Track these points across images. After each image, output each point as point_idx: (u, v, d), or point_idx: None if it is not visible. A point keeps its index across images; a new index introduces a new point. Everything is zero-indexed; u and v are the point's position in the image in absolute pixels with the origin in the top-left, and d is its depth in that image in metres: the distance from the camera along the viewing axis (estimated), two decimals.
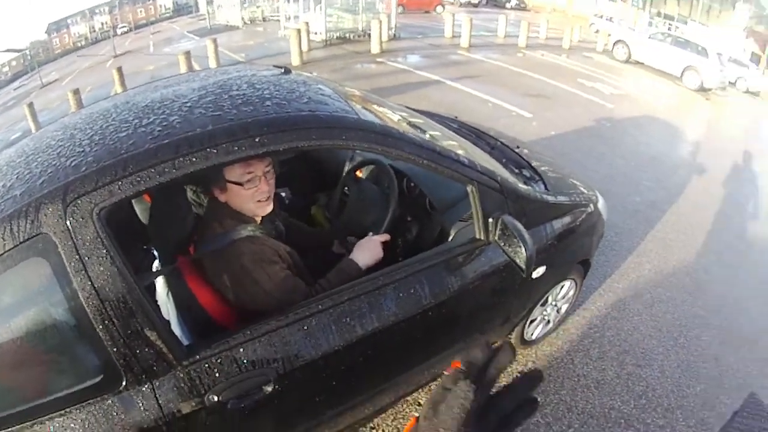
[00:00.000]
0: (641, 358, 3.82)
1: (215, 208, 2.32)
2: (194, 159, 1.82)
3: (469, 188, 2.44)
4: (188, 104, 2.07)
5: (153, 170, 1.76)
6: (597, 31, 25.32)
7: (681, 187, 7.26)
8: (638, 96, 13.40)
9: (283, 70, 2.58)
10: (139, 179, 1.75)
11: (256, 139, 1.92)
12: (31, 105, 17.21)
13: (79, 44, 75.88)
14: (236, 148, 1.88)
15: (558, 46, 19.97)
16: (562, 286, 3.46)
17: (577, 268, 3.44)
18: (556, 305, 3.59)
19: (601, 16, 29.79)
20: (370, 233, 2.66)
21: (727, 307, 4.58)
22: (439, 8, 35.58)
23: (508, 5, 40.42)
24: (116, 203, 1.74)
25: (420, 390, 3.27)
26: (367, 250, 2.52)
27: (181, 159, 1.80)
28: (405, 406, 3.33)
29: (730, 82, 18.29)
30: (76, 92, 14.92)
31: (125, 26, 75.03)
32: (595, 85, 13.81)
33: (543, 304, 3.39)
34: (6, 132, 22.26)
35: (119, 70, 16.40)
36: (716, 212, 6.64)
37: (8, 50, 67.58)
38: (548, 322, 3.69)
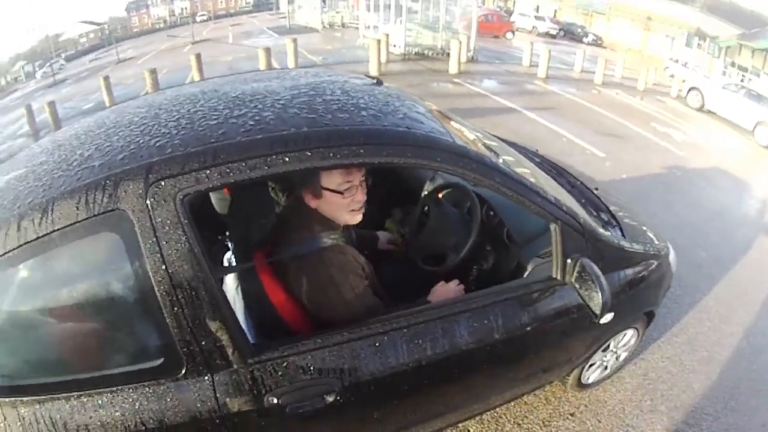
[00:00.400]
0: (691, 416, 3.73)
1: (301, 211, 2.29)
2: (287, 159, 1.80)
3: (552, 226, 2.42)
4: (281, 102, 2.05)
5: (244, 164, 1.75)
6: (672, 76, 24.89)
7: (746, 245, 7.06)
8: (709, 146, 13.17)
9: (375, 81, 2.56)
10: (228, 171, 1.74)
11: (353, 148, 1.90)
12: (107, 78, 17.62)
13: (157, 26, 77.72)
14: (331, 154, 1.86)
15: (633, 87, 19.73)
16: (625, 334, 3.40)
17: (642, 318, 3.37)
18: (616, 352, 3.53)
19: (677, 61, 29.27)
20: (450, 282, 2.63)
21: None
22: (509, 34, 35.31)
23: (585, 40, 39.83)
24: (202, 191, 1.74)
25: (471, 419, 3.26)
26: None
27: (274, 157, 1.79)
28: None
29: None
30: (153, 72, 15.30)
31: (204, 14, 76.53)
32: (668, 130, 13.60)
33: (604, 350, 3.34)
34: (78, 101, 22.87)
35: (198, 56, 16.83)
36: None
37: (86, 22, 69.19)
38: (606, 368, 3.63)
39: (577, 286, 2.42)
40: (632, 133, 12.31)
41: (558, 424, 3.48)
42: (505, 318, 2.40)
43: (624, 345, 3.54)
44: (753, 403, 4.01)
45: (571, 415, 3.56)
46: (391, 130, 2.05)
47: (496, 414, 3.48)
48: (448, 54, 18.66)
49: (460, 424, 3.24)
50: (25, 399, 1.75)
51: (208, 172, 1.72)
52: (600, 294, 2.26)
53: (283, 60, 17.69)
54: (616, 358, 3.64)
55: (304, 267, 2.18)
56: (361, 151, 1.92)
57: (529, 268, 2.68)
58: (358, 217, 2.36)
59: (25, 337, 1.78)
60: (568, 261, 2.46)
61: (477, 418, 3.35)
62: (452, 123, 2.81)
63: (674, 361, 4.27)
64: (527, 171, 2.83)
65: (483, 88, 15.90)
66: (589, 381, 3.63)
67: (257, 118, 1.92)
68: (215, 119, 1.92)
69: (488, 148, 2.81)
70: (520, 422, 3.46)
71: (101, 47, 64.25)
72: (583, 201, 3.26)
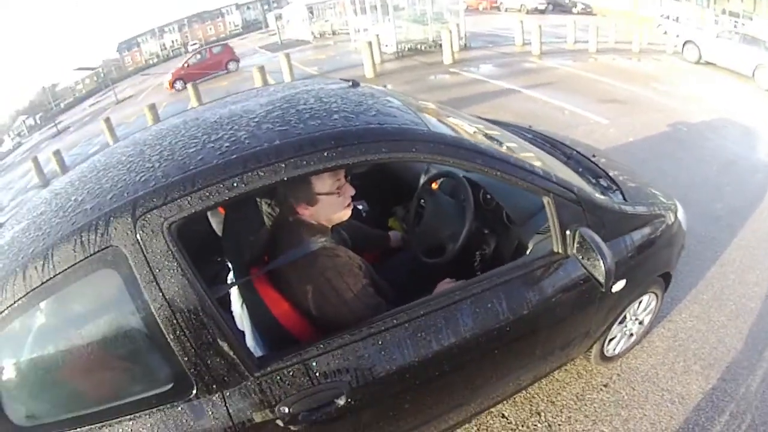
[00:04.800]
0: (726, 372, 3.67)
1: (289, 223, 2.35)
2: (262, 173, 1.85)
3: (545, 200, 2.40)
4: (256, 119, 2.12)
5: (222, 185, 1.81)
6: (665, 33, 24.52)
7: (761, 190, 6.90)
8: (712, 98, 12.90)
9: (351, 83, 2.59)
10: (208, 194, 1.80)
11: (325, 153, 1.93)
12: (108, 120, 18.07)
13: (151, 62, 78.83)
14: (304, 162, 1.90)
15: (628, 50, 19.41)
16: (641, 301, 3.34)
17: (657, 282, 3.31)
18: (637, 319, 3.47)
19: (668, 17, 28.82)
20: (451, 280, 2.65)
21: None
22: (232, 65, 30.89)
23: (574, 10, 39.24)
24: (186, 217, 1.79)
25: (504, 402, 3.26)
26: None
27: (249, 174, 1.84)
28: (489, 417, 3.32)
29: None
30: (152, 107, 15.70)
31: (196, 43, 77.36)
32: (669, 88, 13.38)
33: (621, 322, 3.29)
34: (84, 146, 23.27)
35: (194, 85, 16.99)
36: None
37: (81, 68, 70.12)
38: (631, 335, 3.58)
39: (580, 256, 2.41)
40: (633, 95, 12.13)
41: (592, 396, 3.45)
42: (509, 299, 2.37)
43: (644, 311, 3.48)
44: None
45: (604, 386, 3.52)
46: (362, 128, 2.06)
47: (528, 394, 3.46)
48: (441, 45, 18.68)
49: (493, 408, 3.23)
50: None
51: (190, 198, 1.78)
52: (602, 262, 2.22)
53: (279, 76, 17.83)
54: (640, 323, 3.57)
55: (300, 275, 2.22)
56: (334, 154, 1.94)
57: (531, 245, 2.65)
58: (349, 211, 2.44)
59: (44, 378, 1.85)
60: (567, 232, 2.44)
61: (510, 400, 3.35)
62: (443, 115, 2.84)
63: (703, 319, 4.20)
64: (527, 152, 2.84)
65: (480, 74, 15.90)
66: (616, 352, 3.58)
67: (233, 138, 1.98)
68: (194, 147, 2.00)
69: (482, 133, 2.82)
70: (554, 400, 3.44)
71: (98, 91, 65.61)
72: (580, 170, 3.24)
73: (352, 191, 2.40)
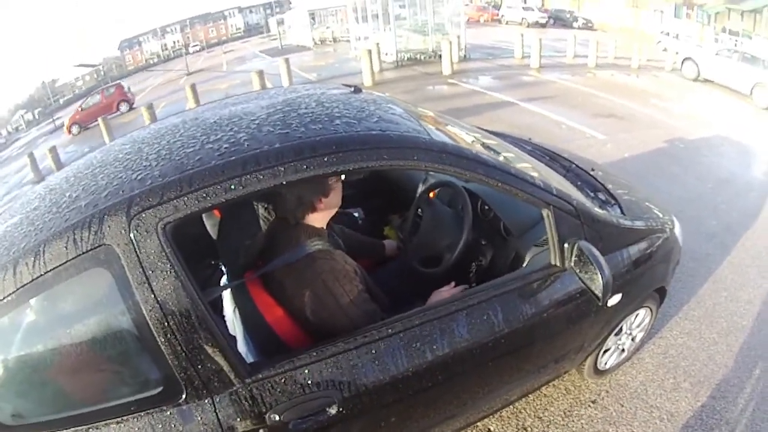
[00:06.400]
0: (716, 389, 3.66)
1: (287, 227, 2.34)
2: (261, 176, 1.83)
3: (544, 212, 2.39)
4: (256, 121, 2.09)
5: (219, 187, 1.78)
6: (665, 49, 24.66)
7: (755, 209, 6.94)
8: (709, 115, 13.00)
9: (353, 89, 2.57)
10: (205, 195, 1.77)
11: (325, 158, 1.91)
12: (105, 118, 17.77)
13: (151, 61, 78.59)
14: (304, 166, 1.88)
15: (627, 66, 19.56)
16: (637, 315, 3.33)
17: (652, 296, 3.30)
18: (630, 334, 3.46)
19: (668, 34, 28.98)
20: (452, 283, 2.65)
21: None
22: (123, 106, 28.52)
23: (575, 25, 39.52)
24: (182, 218, 1.77)
25: (491, 416, 3.22)
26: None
27: (248, 176, 1.81)
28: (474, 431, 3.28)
29: None
30: (150, 107, 15.60)
31: (197, 45, 77.61)
32: (666, 104, 13.45)
33: (617, 334, 3.28)
34: (80, 144, 23.05)
35: (192, 86, 17.02)
36: None
37: (81, 65, 69.73)
38: (623, 350, 3.57)
39: (577, 270, 2.39)
40: (631, 111, 12.18)
41: (580, 412, 3.42)
42: (505, 311, 2.35)
43: (638, 326, 3.47)
44: None
45: (593, 402, 3.50)
46: (364, 135, 2.05)
47: (515, 409, 3.44)
48: (440, 56, 18.83)
49: (479, 423, 3.21)
50: None
51: (186, 198, 1.75)
52: (600, 276, 2.21)
53: (277, 81, 17.85)
54: (632, 340, 3.57)
55: (296, 279, 2.21)
56: (335, 159, 1.93)
57: (528, 258, 2.65)
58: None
59: (31, 377, 1.82)
60: (566, 246, 2.43)
61: (496, 415, 3.32)
62: (443, 124, 2.82)
63: (693, 336, 4.19)
64: (525, 164, 2.82)
65: (478, 86, 15.96)
66: (607, 366, 3.57)
67: (232, 140, 1.95)
68: (192, 147, 1.97)
69: (481, 143, 2.81)
70: (541, 415, 3.41)
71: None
72: (579, 184, 3.25)
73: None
